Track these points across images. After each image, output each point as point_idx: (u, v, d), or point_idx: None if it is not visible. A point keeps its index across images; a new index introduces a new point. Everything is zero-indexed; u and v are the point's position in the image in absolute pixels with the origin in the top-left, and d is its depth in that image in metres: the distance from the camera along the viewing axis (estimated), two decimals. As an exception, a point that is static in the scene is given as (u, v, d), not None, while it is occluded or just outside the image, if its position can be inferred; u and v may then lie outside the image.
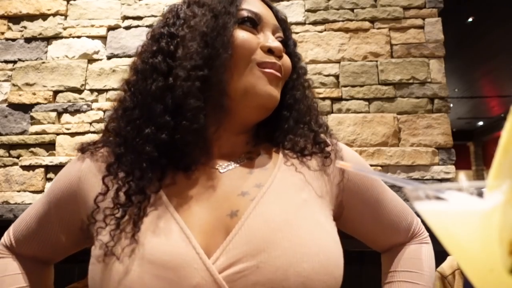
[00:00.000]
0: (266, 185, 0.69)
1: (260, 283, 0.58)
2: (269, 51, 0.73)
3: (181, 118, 0.67)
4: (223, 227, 0.64)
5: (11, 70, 2.53)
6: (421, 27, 2.41)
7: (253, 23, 0.74)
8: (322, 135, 0.81)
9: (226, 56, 0.68)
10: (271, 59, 0.73)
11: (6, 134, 2.44)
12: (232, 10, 0.72)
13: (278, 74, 0.73)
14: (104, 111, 2.44)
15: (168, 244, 0.61)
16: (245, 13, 0.74)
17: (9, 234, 0.81)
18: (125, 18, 2.54)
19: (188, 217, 0.65)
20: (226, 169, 0.73)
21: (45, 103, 2.47)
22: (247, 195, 0.68)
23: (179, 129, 0.67)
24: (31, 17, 2.58)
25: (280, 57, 0.74)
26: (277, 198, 0.68)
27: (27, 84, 2.50)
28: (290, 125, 0.78)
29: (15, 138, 2.43)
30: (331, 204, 0.75)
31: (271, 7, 0.82)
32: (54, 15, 2.57)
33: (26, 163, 2.40)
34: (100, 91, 2.47)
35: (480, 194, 0.30)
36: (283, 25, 0.82)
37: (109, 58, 2.50)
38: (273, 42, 0.73)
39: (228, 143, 0.75)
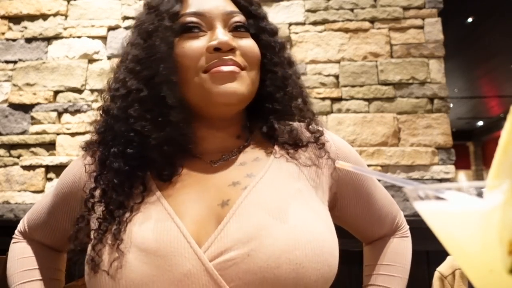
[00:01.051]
0: (259, 175, 0.70)
1: (252, 271, 0.58)
2: (216, 49, 0.70)
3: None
4: (215, 216, 0.64)
5: (11, 70, 2.53)
6: (421, 27, 2.41)
7: (197, 27, 0.72)
8: (314, 125, 0.79)
9: (166, 72, 0.68)
10: (219, 56, 0.70)
11: (7, 134, 2.44)
12: (168, 24, 0.71)
13: (229, 69, 0.69)
14: (104, 111, 2.44)
15: (159, 233, 0.61)
16: (185, 19, 0.72)
17: (24, 222, 0.91)
18: (125, 18, 2.55)
19: (179, 208, 0.65)
20: (218, 163, 0.73)
21: (46, 103, 2.47)
22: (238, 185, 0.68)
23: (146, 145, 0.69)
24: (32, 17, 2.58)
25: (231, 51, 0.71)
26: (269, 187, 0.68)
27: (28, 84, 2.50)
28: (278, 115, 0.77)
29: (15, 138, 2.43)
30: (326, 194, 0.75)
31: None
32: (55, 15, 2.57)
33: (27, 163, 2.40)
34: (100, 91, 2.46)
35: (480, 194, 0.30)
36: (242, 2, 0.78)
37: (109, 58, 2.50)
38: (217, 39, 0.70)
39: (216, 139, 0.76)
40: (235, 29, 0.74)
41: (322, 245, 0.62)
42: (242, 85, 0.70)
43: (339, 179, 0.77)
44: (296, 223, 0.63)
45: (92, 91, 2.47)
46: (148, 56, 0.69)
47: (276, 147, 0.76)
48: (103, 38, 2.54)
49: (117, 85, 0.73)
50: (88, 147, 0.78)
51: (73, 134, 2.42)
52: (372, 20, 2.44)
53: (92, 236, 0.67)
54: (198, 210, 0.65)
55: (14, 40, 2.56)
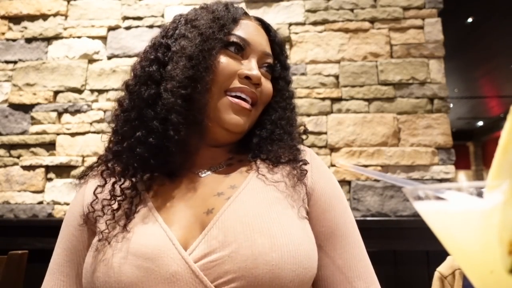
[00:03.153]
0: (241, 186, 0.76)
1: (232, 270, 0.63)
2: (246, 77, 0.78)
3: (167, 127, 0.74)
4: (200, 223, 0.71)
5: (11, 70, 2.53)
6: (421, 27, 2.41)
7: (239, 49, 0.80)
8: (296, 146, 0.86)
9: (208, 79, 0.75)
10: (245, 84, 0.78)
11: (7, 134, 2.44)
12: (220, 36, 0.78)
13: (246, 105, 0.78)
14: (105, 111, 2.44)
15: (147, 238, 0.67)
16: (232, 39, 0.80)
17: None
18: (125, 18, 2.55)
19: (167, 215, 0.72)
20: (205, 174, 0.81)
21: (46, 103, 2.47)
22: (222, 195, 0.75)
23: (165, 137, 0.74)
24: (32, 18, 2.58)
25: (257, 85, 0.80)
26: (250, 198, 0.74)
27: (28, 84, 2.50)
28: (265, 141, 0.84)
29: (15, 138, 2.43)
30: (303, 207, 0.78)
31: (269, 32, 0.88)
32: (55, 15, 2.57)
33: (27, 163, 2.40)
34: (101, 91, 2.47)
35: (480, 194, 0.30)
36: (277, 49, 0.88)
37: (109, 58, 2.50)
38: (252, 71, 0.79)
39: (209, 154, 0.83)
40: (264, 69, 0.84)
41: (298, 248, 0.67)
42: (247, 121, 0.80)
43: (311, 198, 0.79)
44: (274, 228, 0.68)
45: (92, 91, 2.47)
46: (200, 59, 0.75)
47: (258, 162, 0.83)
48: (103, 38, 2.54)
49: (153, 68, 0.79)
50: (85, 173, 0.85)
51: (73, 134, 2.42)
52: (372, 20, 2.44)
53: (103, 212, 0.75)
54: (185, 217, 0.72)
55: (14, 40, 2.56)
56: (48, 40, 2.56)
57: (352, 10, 2.46)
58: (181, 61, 0.75)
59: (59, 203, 2.36)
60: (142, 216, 0.72)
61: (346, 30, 2.44)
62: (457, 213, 0.31)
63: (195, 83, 0.74)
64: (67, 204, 2.35)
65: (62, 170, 2.40)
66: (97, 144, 2.39)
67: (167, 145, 0.74)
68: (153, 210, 0.73)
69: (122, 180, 0.76)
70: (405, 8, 2.43)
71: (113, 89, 2.46)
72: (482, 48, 5.82)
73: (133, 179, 0.76)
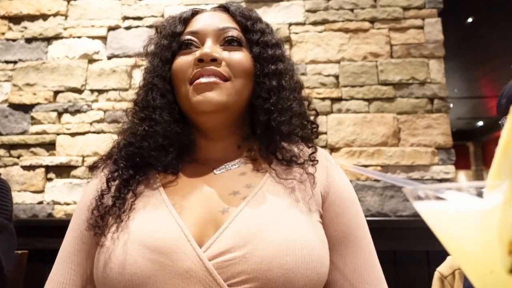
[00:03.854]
0: (258, 186, 0.75)
1: (246, 272, 0.64)
2: (200, 60, 0.77)
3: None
4: (215, 221, 0.70)
5: (11, 70, 2.53)
6: (421, 27, 2.41)
7: (189, 43, 0.81)
8: (311, 148, 0.83)
9: (162, 85, 0.80)
10: (202, 67, 0.77)
11: (7, 134, 2.44)
12: (173, 45, 0.82)
13: (207, 80, 0.76)
14: (105, 111, 2.44)
15: (162, 232, 0.67)
16: (183, 38, 0.82)
17: None
18: (125, 18, 2.55)
19: (182, 210, 0.72)
20: (220, 171, 0.80)
21: (46, 103, 2.47)
22: (238, 194, 0.74)
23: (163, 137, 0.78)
24: (32, 18, 2.58)
25: (213, 61, 0.78)
26: (266, 199, 0.73)
27: (28, 84, 2.50)
28: (280, 133, 0.80)
29: (15, 138, 2.43)
30: (318, 211, 0.77)
31: (228, 10, 0.87)
32: (55, 15, 2.57)
33: (27, 163, 2.40)
34: (101, 91, 2.47)
35: (480, 194, 0.30)
36: (242, 21, 0.85)
37: (109, 58, 2.50)
38: (200, 52, 0.78)
39: (216, 149, 0.83)
40: (227, 43, 0.82)
41: (312, 253, 0.67)
42: (220, 94, 0.76)
43: (326, 200, 0.79)
44: (289, 231, 0.68)
45: (92, 91, 2.47)
46: (152, 74, 0.82)
47: (274, 160, 0.81)
48: (103, 38, 2.54)
49: (140, 93, 0.87)
50: (97, 164, 0.86)
51: (73, 134, 2.42)
52: (372, 20, 2.44)
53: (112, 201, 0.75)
54: (200, 214, 0.71)
55: (14, 40, 2.56)
56: (48, 40, 2.56)
57: (352, 10, 2.46)
58: (149, 74, 0.84)
59: (59, 203, 2.36)
60: (157, 209, 0.72)
61: (346, 30, 2.44)
62: (457, 213, 0.31)
63: (163, 92, 0.80)
64: (67, 204, 2.35)
65: (62, 170, 2.40)
66: (97, 144, 2.39)
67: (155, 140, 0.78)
68: (169, 205, 0.72)
69: (136, 172, 0.78)
70: (405, 8, 2.44)
71: (113, 89, 2.46)
72: (482, 48, 5.82)
73: (146, 173, 0.78)
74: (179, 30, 0.83)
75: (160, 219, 0.70)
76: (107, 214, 0.73)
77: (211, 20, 0.83)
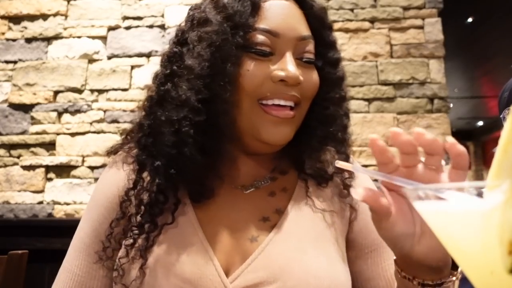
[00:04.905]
0: (287, 210, 0.71)
1: None
2: (282, 80, 0.66)
3: (180, 152, 0.66)
4: (243, 250, 0.67)
5: (11, 70, 2.53)
6: (421, 27, 2.41)
7: (265, 48, 0.67)
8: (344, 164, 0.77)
9: (225, 97, 0.65)
10: (281, 89, 0.66)
11: (7, 134, 2.44)
12: (237, 40, 0.65)
13: (288, 114, 0.67)
14: (105, 111, 2.44)
15: (190, 258, 0.64)
16: (255, 38, 0.66)
17: None
18: (125, 18, 2.55)
19: (211, 235, 0.68)
20: (249, 190, 0.74)
21: (46, 103, 2.47)
22: (267, 222, 0.70)
23: (181, 163, 0.67)
24: (32, 18, 2.58)
25: (298, 84, 0.67)
26: (296, 226, 0.70)
27: (28, 84, 2.50)
28: (313, 148, 0.74)
29: (15, 138, 2.43)
30: (344, 233, 0.74)
31: (302, 4, 0.71)
32: (55, 15, 2.57)
33: (27, 163, 2.40)
34: (101, 91, 2.47)
35: (480, 194, 0.30)
36: (316, 24, 0.72)
37: (109, 58, 2.50)
38: (286, 70, 0.65)
39: (252, 164, 0.75)
40: (305, 60, 0.69)
41: None
42: (292, 129, 0.69)
43: (356, 222, 0.76)
44: (317, 267, 0.65)
45: (92, 91, 2.47)
46: (212, 74, 0.64)
47: (302, 180, 0.76)
48: (103, 38, 2.54)
49: (167, 90, 0.68)
50: (116, 150, 0.78)
51: (73, 134, 2.42)
52: (372, 20, 2.44)
53: (121, 244, 0.69)
54: (228, 241, 0.68)
55: (14, 40, 2.56)
56: (48, 40, 2.56)
57: (352, 10, 2.46)
58: (190, 82, 0.65)
59: (59, 203, 2.36)
60: (185, 230, 0.68)
61: (346, 30, 2.44)
62: (457, 213, 0.31)
63: (210, 105, 0.65)
64: (67, 204, 2.35)
65: (62, 170, 2.40)
66: (97, 144, 2.39)
67: (184, 171, 0.67)
68: (198, 228, 0.68)
69: (168, 185, 0.68)
70: (405, 8, 2.44)
71: (113, 89, 2.46)
72: (482, 48, 5.82)
73: (176, 186, 0.69)
74: (251, 21, 0.66)
75: (187, 241, 0.66)
76: (135, 231, 0.68)
77: (289, 21, 0.68)
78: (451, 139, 0.46)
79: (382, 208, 0.49)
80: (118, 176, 0.75)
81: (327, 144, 0.75)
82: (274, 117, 0.66)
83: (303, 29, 0.69)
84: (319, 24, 0.73)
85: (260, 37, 0.66)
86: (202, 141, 0.66)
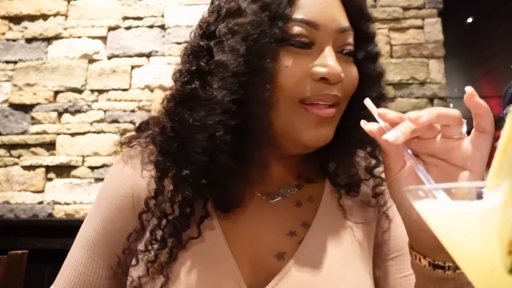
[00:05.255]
0: (314, 223, 0.67)
1: None
2: (323, 78, 0.59)
3: (213, 159, 0.60)
4: (270, 267, 0.63)
5: (12, 70, 2.53)
6: (421, 27, 2.41)
7: (304, 40, 0.60)
8: (378, 169, 0.72)
9: (263, 98, 0.58)
10: (325, 90, 0.60)
11: (7, 134, 2.45)
12: (275, 31, 0.58)
13: (330, 113, 0.61)
14: (105, 111, 2.44)
15: (214, 274, 0.61)
16: (293, 28, 0.59)
17: None
18: (126, 18, 2.55)
19: (236, 250, 0.63)
20: (275, 199, 0.69)
21: (46, 103, 2.47)
22: (295, 236, 0.66)
23: (213, 172, 0.61)
24: (32, 18, 2.58)
25: (339, 82, 0.61)
26: (322, 241, 0.66)
27: (28, 84, 2.50)
28: (344, 152, 0.69)
29: (15, 138, 2.43)
30: (372, 243, 0.71)
31: None
32: (55, 15, 2.57)
33: (27, 163, 2.40)
34: (101, 91, 2.47)
35: (480, 194, 0.30)
36: (355, 15, 0.66)
37: (109, 58, 2.51)
38: (328, 67, 0.59)
39: (278, 170, 0.69)
40: (345, 54, 0.63)
41: None
42: (332, 129, 0.63)
43: (383, 231, 0.72)
44: (345, 286, 0.63)
45: (92, 91, 2.48)
46: (248, 71, 0.58)
47: (329, 187, 0.71)
48: (103, 38, 2.54)
49: (194, 89, 0.61)
50: (130, 141, 0.72)
51: (73, 134, 2.42)
52: (372, 20, 2.44)
53: (138, 259, 0.64)
54: (254, 257, 0.64)
55: (14, 40, 2.57)
56: (48, 40, 2.56)
57: (352, 10, 2.46)
58: (224, 81, 0.58)
59: (59, 203, 2.36)
60: (211, 246, 0.63)
61: (346, 30, 2.44)
62: (457, 213, 0.31)
63: (247, 107, 0.58)
64: (67, 204, 2.35)
65: (62, 170, 2.40)
66: (97, 144, 2.39)
67: (219, 179, 0.62)
68: (224, 243, 0.63)
69: (193, 193, 0.63)
70: (405, 8, 2.44)
71: (113, 89, 2.46)
72: (482, 48, 5.82)
73: (205, 197, 0.64)
74: (288, 12, 0.59)
75: (213, 257, 0.63)
76: (157, 246, 0.63)
77: (329, 10, 0.62)
78: (469, 89, 0.44)
79: (390, 146, 0.49)
80: (133, 175, 0.69)
81: (361, 148, 0.70)
82: (315, 116, 0.60)
83: (343, 20, 0.63)
84: (358, 15, 0.67)
85: (298, 29, 0.60)
86: (237, 147, 0.60)
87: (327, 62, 0.59)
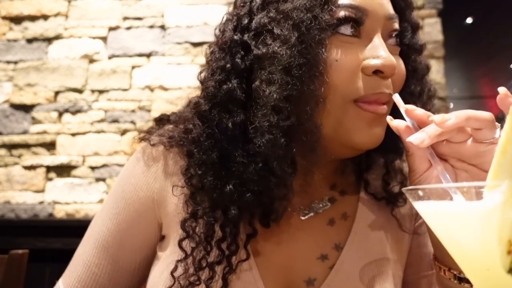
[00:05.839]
0: (345, 247, 0.62)
1: None
2: (377, 71, 0.53)
3: (265, 167, 0.53)
4: None
5: (12, 70, 2.53)
6: (420, 27, 2.41)
7: (355, 28, 0.54)
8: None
9: (316, 94, 0.52)
10: (379, 85, 0.54)
11: (8, 134, 2.45)
12: (326, 17, 0.51)
13: (383, 110, 0.55)
14: (105, 111, 2.44)
15: None
16: (341, 13, 0.53)
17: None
18: (126, 18, 2.55)
19: (266, 276, 0.59)
20: (307, 216, 0.63)
21: (46, 103, 2.47)
22: (326, 261, 0.61)
23: (264, 182, 0.54)
24: (33, 18, 2.58)
25: (392, 75, 0.55)
26: (355, 266, 0.61)
27: (29, 85, 2.50)
28: (385, 160, 0.64)
29: (16, 138, 2.43)
30: (404, 262, 0.67)
31: None
32: (55, 15, 2.57)
33: (28, 163, 2.40)
34: (101, 91, 2.47)
35: (479, 194, 0.30)
36: (400, 2, 0.60)
37: (109, 58, 2.51)
38: (381, 58, 0.53)
39: (312, 178, 0.61)
40: (391, 40, 0.57)
41: None
42: (384, 128, 0.56)
43: (414, 244, 0.69)
44: None
45: (92, 91, 2.48)
46: (302, 64, 0.50)
47: (363, 198, 0.66)
48: (104, 39, 2.54)
49: (233, 90, 0.54)
50: (149, 139, 0.65)
51: (73, 134, 2.43)
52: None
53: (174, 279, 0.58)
54: (283, 281, 0.60)
55: (15, 40, 2.57)
56: (49, 40, 2.56)
57: (352, 10, 2.46)
58: (273, 76, 0.51)
59: (59, 203, 2.36)
60: (241, 272, 0.58)
61: (346, 30, 2.44)
62: (457, 213, 0.32)
63: (300, 105, 0.51)
64: (68, 203, 2.36)
65: (63, 170, 2.40)
66: (98, 144, 2.40)
67: (269, 192, 0.55)
68: (252, 262, 0.58)
69: (238, 211, 0.56)
70: (405, 8, 2.44)
71: (113, 89, 2.46)
72: (481, 48, 5.82)
73: (252, 213, 0.57)
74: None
75: (242, 280, 0.58)
76: (204, 276, 0.57)
77: None
78: (502, 90, 0.43)
79: (414, 146, 0.46)
80: (155, 179, 0.64)
81: (399, 154, 0.64)
82: (369, 114, 0.54)
83: (390, 6, 0.57)
84: (403, 3, 0.60)
85: (346, 15, 0.53)
86: (290, 152, 0.53)
87: (379, 53, 0.53)
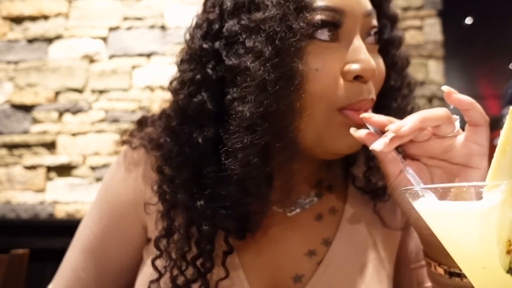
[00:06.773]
0: (334, 242, 0.61)
1: None
2: (357, 77, 0.52)
3: (239, 186, 0.51)
4: None
5: (13, 70, 2.53)
6: (420, 28, 2.41)
7: (332, 31, 0.51)
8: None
9: (294, 108, 0.49)
10: (361, 91, 0.52)
11: (8, 134, 2.45)
12: (301, 24, 0.49)
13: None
14: (106, 111, 2.45)
15: None
16: (318, 20, 0.50)
17: None
18: (126, 19, 2.55)
19: (251, 271, 0.58)
20: (293, 212, 0.61)
21: (47, 103, 2.47)
22: (314, 256, 0.60)
23: (238, 199, 0.52)
24: (33, 18, 2.58)
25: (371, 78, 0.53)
26: (344, 260, 0.60)
27: (29, 85, 2.50)
28: (372, 154, 0.63)
29: (17, 138, 2.43)
30: (394, 256, 0.66)
31: None
32: (56, 16, 2.57)
33: (28, 163, 2.40)
34: (102, 92, 2.47)
35: (479, 194, 0.30)
36: None
37: (110, 58, 2.51)
38: (361, 62, 0.51)
39: (298, 179, 0.61)
40: (370, 38, 0.55)
41: None
42: (365, 131, 0.54)
43: (409, 240, 0.67)
44: None
45: (93, 91, 2.48)
46: (278, 77, 0.48)
47: (351, 192, 0.65)
48: (104, 39, 2.54)
49: (202, 103, 0.52)
50: (130, 142, 0.64)
51: (74, 134, 2.43)
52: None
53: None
54: (269, 278, 0.59)
55: (16, 40, 2.57)
56: (50, 40, 2.56)
57: (352, 10, 2.46)
58: (248, 92, 0.48)
59: (60, 203, 2.36)
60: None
61: (346, 31, 2.44)
62: (456, 212, 0.32)
63: (277, 121, 0.49)
64: (68, 203, 2.36)
65: (63, 170, 2.40)
66: (98, 144, 2.40)
67: (245, 209, 0.54)
68: (240, 269, 0.57)
69: (213, 228, 0.54)
70: (404, 9, 2.44)
71: (114, 89, 2.46)
72: (481, 48, 5.81)
73: (227, 228, 0.55)
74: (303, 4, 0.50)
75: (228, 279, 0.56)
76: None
77: None
78: (446, 89, 0.45)
79: (382, 153, 0.47)
80: (137, 181, 0.63)
81: None
82: (354, 122, 0.53)
83: (367, 2, 0.54)
84: None
85: (322, 19, 0.50)
86: (265, 168, 0.51)
87: (360, 56, 0.51)
